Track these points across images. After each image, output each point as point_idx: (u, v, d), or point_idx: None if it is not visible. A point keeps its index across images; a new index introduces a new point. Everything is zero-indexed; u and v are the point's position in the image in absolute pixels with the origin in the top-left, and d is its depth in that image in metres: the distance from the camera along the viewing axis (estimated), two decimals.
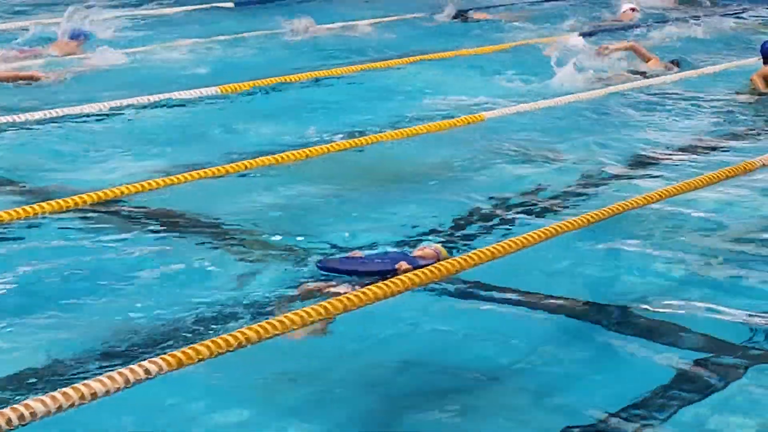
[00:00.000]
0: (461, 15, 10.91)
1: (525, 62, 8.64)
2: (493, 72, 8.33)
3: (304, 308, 3.28)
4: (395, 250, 4.19)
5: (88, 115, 6.35)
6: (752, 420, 2.78)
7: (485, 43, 9.62)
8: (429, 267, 3.78)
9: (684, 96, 7.76)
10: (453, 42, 9.64)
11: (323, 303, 3.36)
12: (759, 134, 6.62)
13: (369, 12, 10.99)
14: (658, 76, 8.58)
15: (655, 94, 7.90)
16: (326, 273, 3.91)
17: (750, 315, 3.57)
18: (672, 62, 8.94)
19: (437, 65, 8.61)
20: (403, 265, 3.81)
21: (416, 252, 4.07)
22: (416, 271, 3.71)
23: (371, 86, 7.82)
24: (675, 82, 8.26)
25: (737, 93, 8.00)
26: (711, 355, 3.27)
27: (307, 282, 3.79)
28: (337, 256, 4.11)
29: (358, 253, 4.11)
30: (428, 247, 4.12)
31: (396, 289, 3.56)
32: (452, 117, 6.66)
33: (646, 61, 8.82)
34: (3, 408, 2.46)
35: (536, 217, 4.69)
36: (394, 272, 3.79)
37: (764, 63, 8.25)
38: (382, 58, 8.72)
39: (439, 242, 4.13)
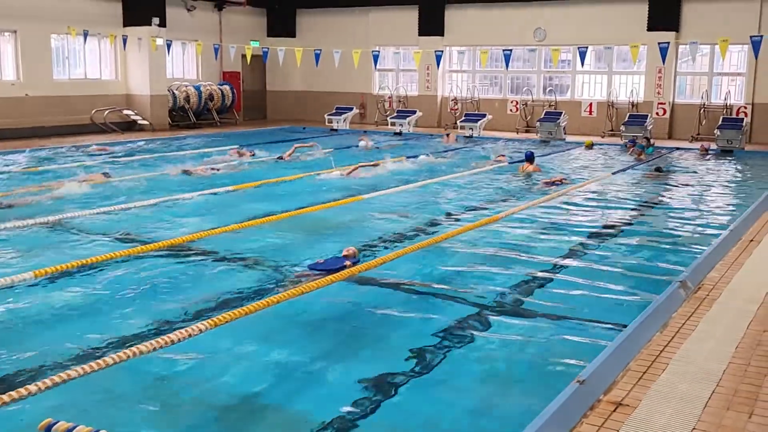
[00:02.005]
0: (280, 158, 17.00)
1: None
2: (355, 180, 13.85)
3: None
4: (336, 256, 7.73)
5: None
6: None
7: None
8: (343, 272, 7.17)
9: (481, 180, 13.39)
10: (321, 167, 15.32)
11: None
12: (506, 200, 11.96)
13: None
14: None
15: (460, 181, 13.46)
16: (312, 269, 7.42)
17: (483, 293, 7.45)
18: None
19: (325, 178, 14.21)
20: (347, 262, 7.38)
21: (344, 252, 7.69)
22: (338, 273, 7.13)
23: (307, 186, 13.08)
24: (476, 173, 14.02)
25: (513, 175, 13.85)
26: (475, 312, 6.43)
27: (298, 273, 7.45)
28: (315, 260, 7.61)
29: (320, 260, 7.61)
30: (349, 249, 7.73)
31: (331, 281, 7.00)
32: (347, 197, 11.70)
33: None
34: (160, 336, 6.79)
35: (397, 243, 8.92)
36: (343, 266, 7.33)
37: (526, 161, 14.19)
38: (306, 171, 14.25)
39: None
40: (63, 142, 19.12)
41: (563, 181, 13.57)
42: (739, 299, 6.33)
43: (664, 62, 20.41)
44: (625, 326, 5.58)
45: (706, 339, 5.36)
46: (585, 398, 4.27)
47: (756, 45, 16.94)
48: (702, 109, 22.03)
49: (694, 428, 3.98)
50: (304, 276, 7.39)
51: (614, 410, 4.20)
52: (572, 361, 5.35)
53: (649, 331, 5.48)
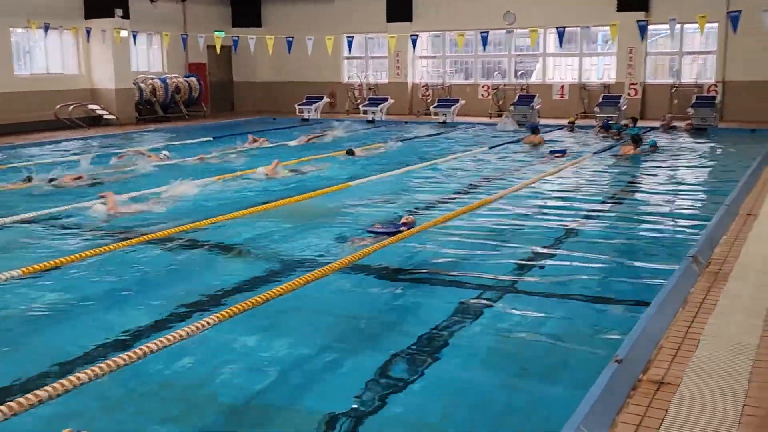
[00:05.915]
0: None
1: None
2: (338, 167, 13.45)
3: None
4: (392, 221, 8.25)
5: None
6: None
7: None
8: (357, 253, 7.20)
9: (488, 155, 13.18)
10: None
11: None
12: (504, 176, 11.83)
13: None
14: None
15: (448, 167, 13.26)
16: (370, 233, 7.81)
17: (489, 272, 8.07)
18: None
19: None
20: (403, 228, 7.80)
21: (403, 220, 8.10)
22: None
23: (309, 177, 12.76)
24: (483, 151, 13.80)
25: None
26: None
27: (356, 238, 7.83)
28: (371, 226, 8.07)
29: (378, 225, 8.09)
30: (407, 217, 8.25)
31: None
32: (337, 184, 11.47)
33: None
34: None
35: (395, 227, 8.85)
36: (399, 231, 7.71)
37: (531, 133, 14.60)
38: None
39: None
40: (27, 139, 18.51)
41: (566, 153, 14.56)
42: (752, 272, 6.23)
43: (642, 39, 20.42)
44: (638, 303, 5.46)
45: (732, 313, 5.23)
46: (626, 378, 4.10)
47: (735, 20, 16.95)
48: (673, 89, 22.11)
49: (744, 404, 3.83)
50: (363, 240, 7.72)
51: (657, 389, 4.03)
52: (591, 342, 5.23)
53: (672, 307, 5.34)
